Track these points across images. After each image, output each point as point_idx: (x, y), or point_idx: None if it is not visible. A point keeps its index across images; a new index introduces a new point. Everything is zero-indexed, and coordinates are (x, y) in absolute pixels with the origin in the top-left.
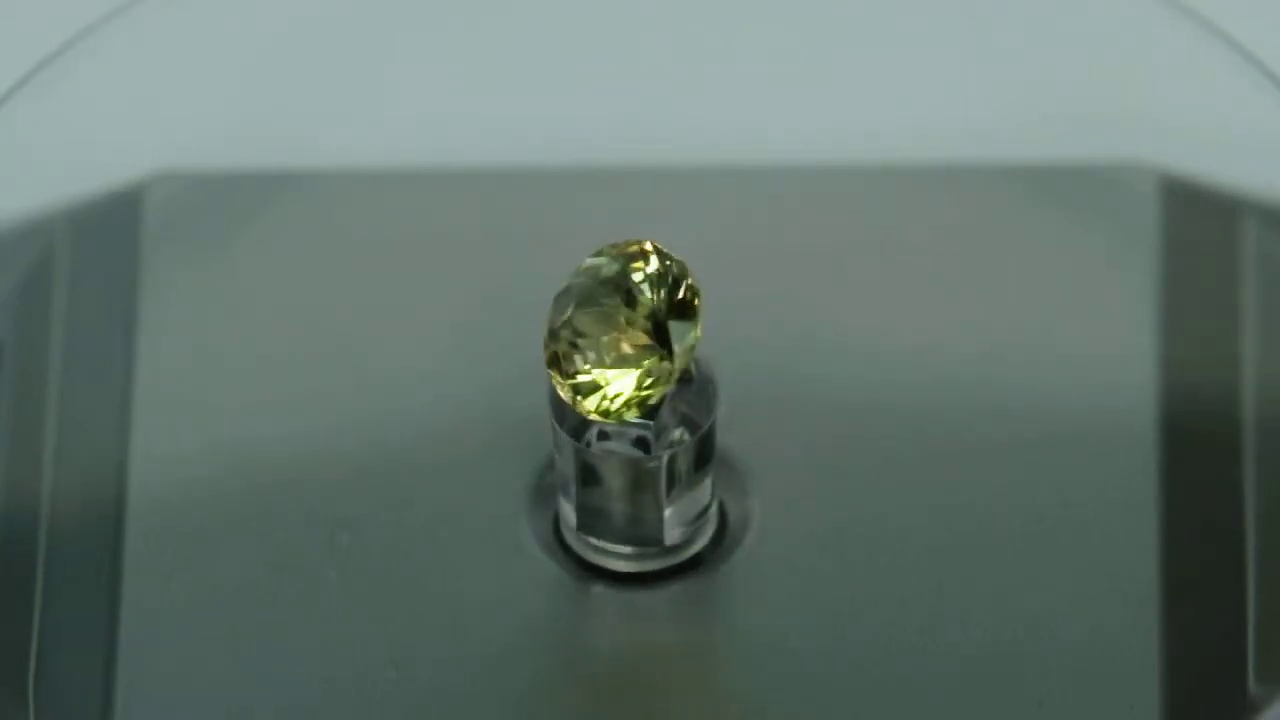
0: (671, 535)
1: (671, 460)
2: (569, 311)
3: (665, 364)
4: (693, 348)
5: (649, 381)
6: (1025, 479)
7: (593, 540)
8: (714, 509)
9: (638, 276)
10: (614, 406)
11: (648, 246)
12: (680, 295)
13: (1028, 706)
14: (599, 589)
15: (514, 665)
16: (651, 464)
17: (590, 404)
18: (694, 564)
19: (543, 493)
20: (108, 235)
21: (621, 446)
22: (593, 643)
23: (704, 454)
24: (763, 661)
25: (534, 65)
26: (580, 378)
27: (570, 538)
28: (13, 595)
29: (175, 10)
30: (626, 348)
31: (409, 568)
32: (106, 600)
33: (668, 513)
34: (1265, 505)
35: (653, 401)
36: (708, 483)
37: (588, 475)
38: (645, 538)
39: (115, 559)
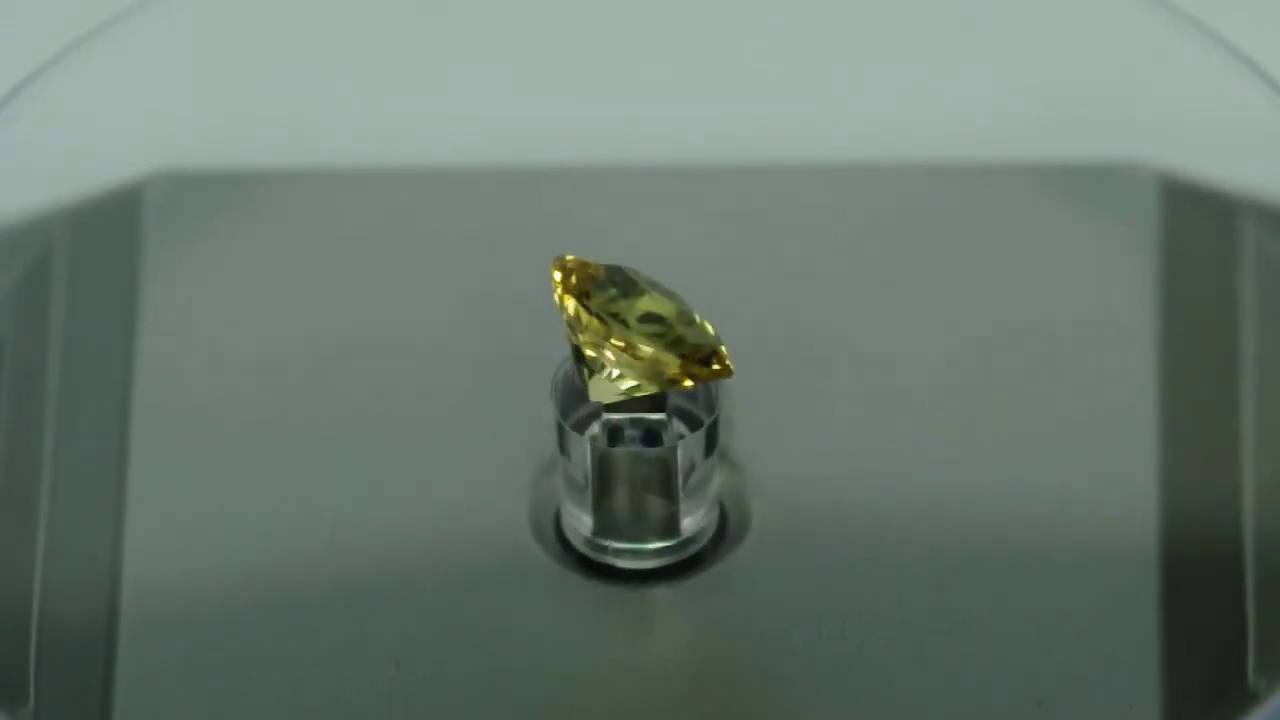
0: (686, 526)
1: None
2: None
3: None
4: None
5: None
6: (1026, 473)
7: (613, 544)
8: (715, 506)
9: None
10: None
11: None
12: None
13: (1028, 706)
14: (599, 586)
15: (514, 662)
16: (665, 455)
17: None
18: (694, 563)
19: (543, 490)
20: (107, 235)
21: (634, 443)
22: (592, 639)
23: (710, 444)
24: (762, 659)
25: (533, 65)
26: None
27: (571, 535)
28: (12, 590)
29: (175, 11)
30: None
31: (408, 565)
32: (106, 600)
33: (683, 503)
34: (1265, 503)
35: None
36: (714, 475)
37: (604, 475)
38: (663, 530)
39: (115, 555)
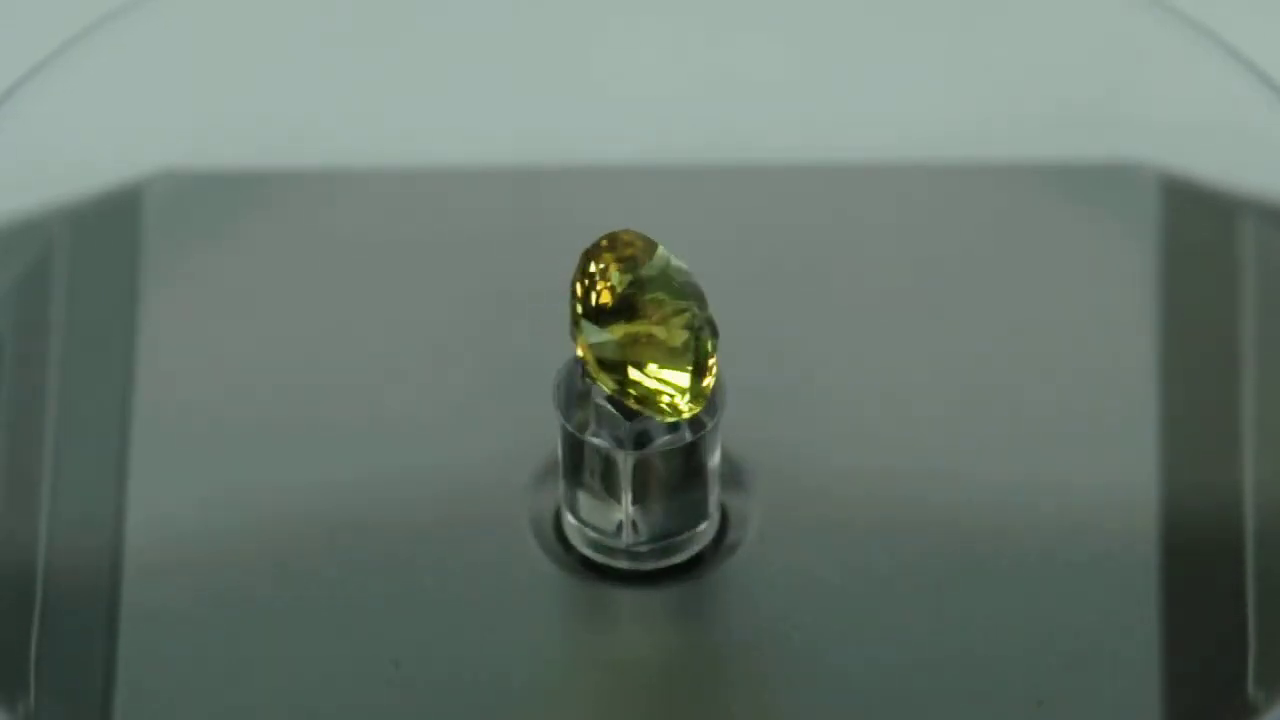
0: (631, 536)
1: (644, 463)
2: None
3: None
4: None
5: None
6: (1026, 474)
7: (573, 521)
8: (713, 514)
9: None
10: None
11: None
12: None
13: (1028, 706)
14: (598, 587)
15: (514, 662)
16: (617, 458)
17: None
18: (694, 564)
19: (544, 491)
20: (107, 234)
21: (605, 439)
22: (592, 641)
23: (696, 461)
24: (762, 661)
25: (533, 65)
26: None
27: (572, 535)
28: (13, 587)
29: (176, 10)
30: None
31: (409, 565)
32: (107, 599)
33: (632, 514)
34: (1265, 502)
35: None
36: (705, 494)
37: (573, 462)
38: (613, 530)
39: (116, 555)
